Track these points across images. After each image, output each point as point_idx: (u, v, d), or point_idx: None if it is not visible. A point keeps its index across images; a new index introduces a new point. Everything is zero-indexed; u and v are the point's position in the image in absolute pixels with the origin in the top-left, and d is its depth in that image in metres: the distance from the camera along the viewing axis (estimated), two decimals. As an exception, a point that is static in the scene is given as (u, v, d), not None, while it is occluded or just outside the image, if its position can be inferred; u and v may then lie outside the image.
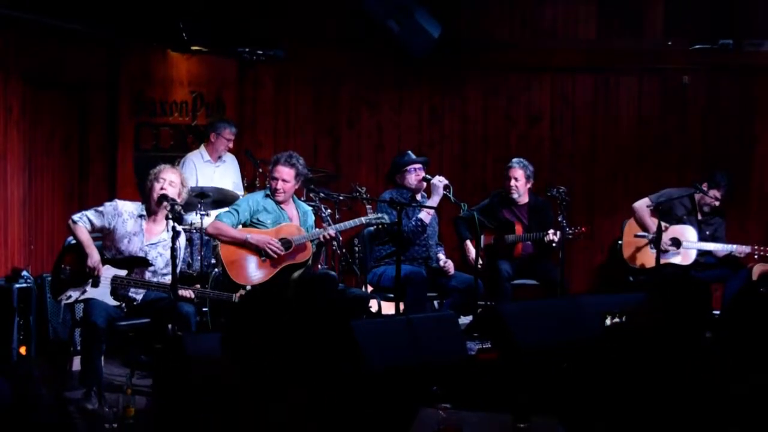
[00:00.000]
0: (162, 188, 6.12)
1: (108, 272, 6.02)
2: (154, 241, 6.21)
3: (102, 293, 6.01)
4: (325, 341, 3.15)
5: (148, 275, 6.16)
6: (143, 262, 6.12)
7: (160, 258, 6.20)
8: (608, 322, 4.88)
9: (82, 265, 5.98)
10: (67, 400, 5.81)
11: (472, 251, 7.75)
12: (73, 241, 6.12)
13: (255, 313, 3.08)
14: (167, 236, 6.17)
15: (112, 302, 6.03)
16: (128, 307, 6.14)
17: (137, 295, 6.17)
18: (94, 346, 5.84)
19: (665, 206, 7.86)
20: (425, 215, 7.29)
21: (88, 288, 5.98)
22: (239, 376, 2.96)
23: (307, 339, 3.09)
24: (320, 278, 6.85)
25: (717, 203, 7.91)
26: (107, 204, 6.20)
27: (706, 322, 3.84)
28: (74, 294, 5.98)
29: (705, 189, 7.84)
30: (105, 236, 6.17)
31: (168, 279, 6.05)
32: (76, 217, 6.08)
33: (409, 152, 7.63)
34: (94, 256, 5.98)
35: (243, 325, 3.07)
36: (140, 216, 6.19)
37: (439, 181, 7.21)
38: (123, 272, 6.05)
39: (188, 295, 6.05)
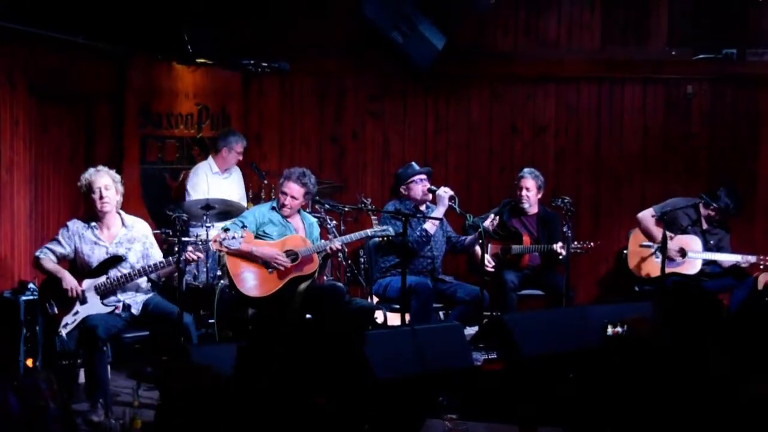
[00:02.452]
0: (101, 197, 6.15)
1: (88, 284, 6.11)
2: (116, 241, 6.26)
3: (95, 307, 6.11)
4: (331, 352, 3.15)
5: (126, 273, 6.20)
6: (115, 260, 6.18)
7: (130, 252, 6.27)
8: (609, 331, 4.88)
9: (61, 291, 6.06)
10: (73, 413, 5.82)
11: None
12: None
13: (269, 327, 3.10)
14: (126, 231, 6.30)
15: (106, 309, 6.11)
16: (125, 310, 6.19)
17: (127, 296, 6.22)
18: (96, 357, 5.89)
19: (670, 216, 7.85)
20: (430, 226, 7.30)
21: (78, 308, 6.06)
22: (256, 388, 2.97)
23: (314, 350, 3.10)
24: (328, 290, 6.86)
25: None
26: (61, 230, 6.28)
27: (716, 332, 3.84)
28: (69, 320, 6.05)
29: (714, 209, 7.83)
30: (75, 259, 6.24)
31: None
32: (37, 253, 6.21)
33: (413, 163, 7.64)
34: (66, 277, 6.06)
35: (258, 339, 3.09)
36: (91, 226, 6.24)
37: (445, 192, 7.21)
38: (102, 279, 6.12)
39: (196, 257, 6.16)
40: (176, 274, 6.28)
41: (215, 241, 6.22)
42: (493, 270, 7.68)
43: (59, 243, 6.20)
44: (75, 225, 6.26)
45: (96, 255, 6.19)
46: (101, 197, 6.16)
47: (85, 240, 6.20)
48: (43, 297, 6.12)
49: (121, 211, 6.35)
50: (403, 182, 7.51)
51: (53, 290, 6.09)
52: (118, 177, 6.34)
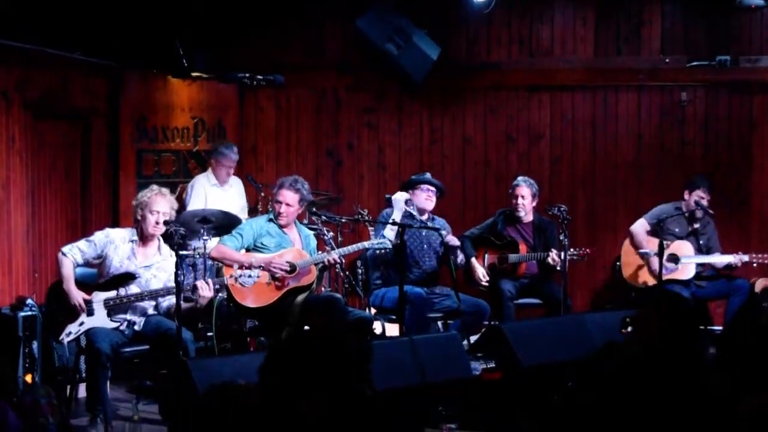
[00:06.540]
0: (157, 222, 6.14)
1: (98, 297, 6.07)
2: (147, 264, 6.24)
3: (101, 320, 6.06)
4: (330, 363, 3.16)
5: (134, 290, 6.16)
6: (128, 277, 6.13)
7: (154, 279, 6.23)
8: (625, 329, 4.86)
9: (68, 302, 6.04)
10: (73, 428, 5.82)
11: (478, 269, 7.77)
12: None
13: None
14: (160, 258, 6.28)
15: (112, 324, 6.08)
16: (129, 327, 6.17)
17: (135, 317, 6.20)
18: (99, 372, 5.87)
19: (663, 223, 7.91)
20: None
21: (85, 319, 6.03)
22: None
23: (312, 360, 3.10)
24: (326, 301, 6.86)
25: (705, 202, 7.94)
26: (98, 233, 6.26)
27: (704, 339, 3.85)
28: (73, 329, 6.03)
29: (688, 194, 7.90)
30: (99, 265, 6.21)
31: (168, 301, 6.18)
32: (65, 249, 6.12)
33: (428, 174, 7.79)
34: (72, 293, 6.00)
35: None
36: (131, 241, 6.23)
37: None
38: (113, 293, 6.09)
39: (207, 289, 6.05)
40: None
41: (230, 276, 6.23)
42: (487, 284, 7.77)
43: (93, 245, 6.15)
44: (115, 234, 6.24)
45: (121, 267, 6.15)
46: (157, 222, 6.13)
47: (118, 252, 6.17)
48: (50, 301, 6.10)
49: (161, 238, 6.33)
50: (411, 186, 7.60)
51: (62, 297, 6.05)
52: (176, 205, 6.35)
